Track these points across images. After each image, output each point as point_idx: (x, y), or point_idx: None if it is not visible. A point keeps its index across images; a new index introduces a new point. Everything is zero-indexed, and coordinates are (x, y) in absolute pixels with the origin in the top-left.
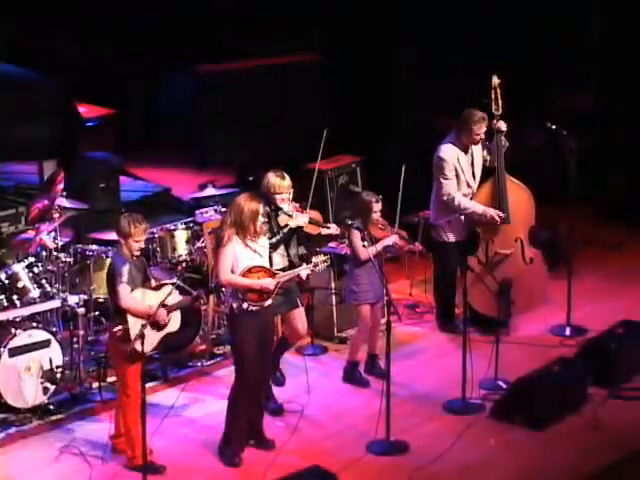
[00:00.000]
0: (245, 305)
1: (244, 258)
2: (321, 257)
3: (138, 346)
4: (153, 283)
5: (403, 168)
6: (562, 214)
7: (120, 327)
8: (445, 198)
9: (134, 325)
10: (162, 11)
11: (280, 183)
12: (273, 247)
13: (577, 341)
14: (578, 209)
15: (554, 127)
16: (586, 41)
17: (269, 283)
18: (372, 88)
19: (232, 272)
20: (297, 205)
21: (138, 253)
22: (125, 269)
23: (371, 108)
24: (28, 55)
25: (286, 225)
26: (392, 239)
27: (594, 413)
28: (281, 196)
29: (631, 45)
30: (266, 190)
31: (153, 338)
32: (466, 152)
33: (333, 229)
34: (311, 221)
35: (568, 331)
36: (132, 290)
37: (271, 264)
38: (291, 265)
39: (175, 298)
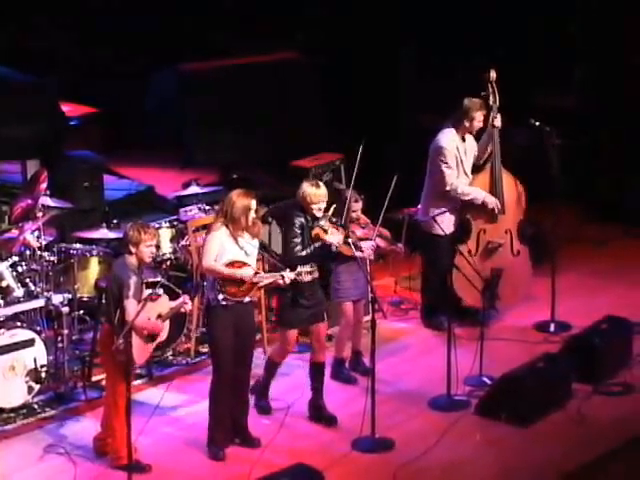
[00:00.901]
0: (221, 297)
1: (230, 250)
2: (307, 268)
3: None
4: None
5: (395, 178)
6: (547, 211)
7: (122, 341)
8: (448, 187)
9: (135, 339)
10: (148, 11)
11: (315, 192)
12: (302, 260)
13: (561, 337)
14: (563, 206)
15: (537, 124)
16: (570, 40)
17: (248, 274)
18: (369, 86)
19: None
20: (335, 222)
21: (150, 259)
22: (132, 282)
23: (367, 107)
24: (10, 54)
25: (317, 239)
26: (368, 246)
27: (579, 409)
28: (317, 205)
29: (614, 43)
30: (301, 200)
31: (145, 350)
32: (464, 141)
33: (366, 254)
34: (345, 242)
35: (552, 327)
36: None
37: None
38: (322, 276)
39: (166, 306)
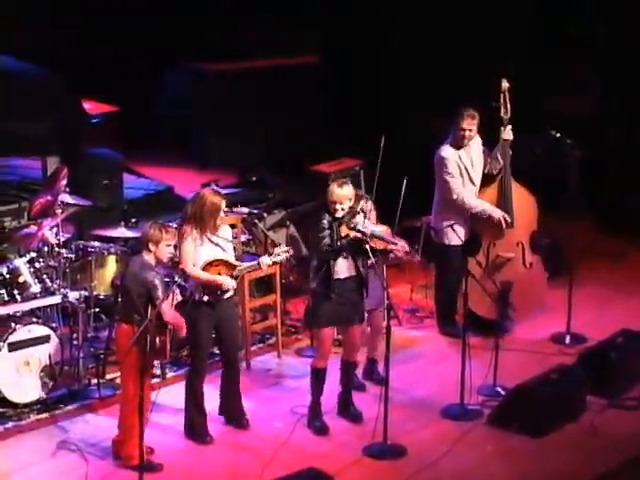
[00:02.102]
0: (204, 297)
1: (204, 253)
2: (283, 247)
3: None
4: None
5: (405, 181)
6: (563, 222)
7: (159, 339)
8: (454, 197)
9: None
10: (163, 10)
11: (338, 192)
12: (332, 255)
13: (577, 349)
14: (580, 217)
15: (558, 135)
16: (589, 45)
17: (228, 283)
18: (373, 89)
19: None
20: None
21: (168, 259)
22: (158, 282)
23: (373, 109)
24: (32, 52)
25: (347, 236)
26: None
27: (592, 422)
28: (340, 205)
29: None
30: (327, 199)
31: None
32: (463, 150)
33: (400, 246)
34: (374, 235)
35: (568, 339)
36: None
37: (329, 271)
38: (359, 275)
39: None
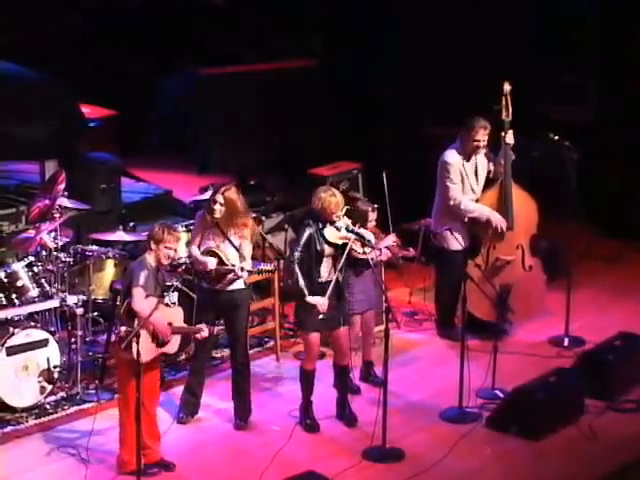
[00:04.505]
0: (203, 283)
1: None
2: (268, 266)
3: (133, 347)
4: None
5: (384, 174)
6: (562, 225)
7: (125, 329)
8: (452, 202)
9: (143, 334)
10: (163, 12)
11: (337, 201)
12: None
13: (575, 352)
14: (578, 221)
15: (556, 138)
16: (583, 53)
17: (211, 263)
18: (375, 93)
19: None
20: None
21: (167, 262)
22: (143, 274)
23: (375, 113)
24: (30, 55)
25: (334, 244)
26: (388, 241)
27: (590, 424)
28: (339, 213)
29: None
30: (321, 209)
31: (150, 350)
32: (469, 159)
33: (389, 243)
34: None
35: (566, 342)
36: (147, 297)
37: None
38: (337, 281)
39: (179, 319)
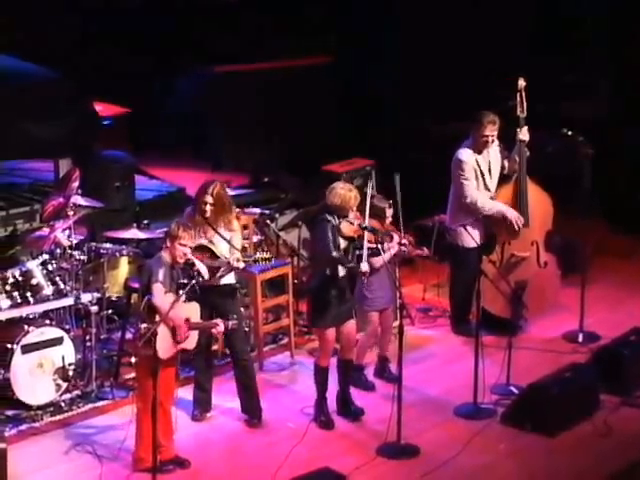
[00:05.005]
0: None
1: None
2: (265, 255)
3: (155, 343)
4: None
5: (396, 178)
6: (577, 221)
7: (145, 326)
8: (468, 200)
9: (162, 329)
10: (178, 11)
11: (356, 195)
12: (339, 262)
13: (590, 348)
14: (592, 216)
15: (570, 133)
16: (590, 49)
17: (203, 270)
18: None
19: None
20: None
21: (182, 260)
22: (161, 271)
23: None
24: (30, 55)
25: (351, 237)
26: (394, 247)
27: (605, 420)
28: (354, 208)
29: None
30: (340, 204)
31: (169, 347)
32: (482, 154)
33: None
34: (376, 230)
35: (581, 337)
36: (165, 293)
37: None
38: (349, 273)
39: (196, 315)
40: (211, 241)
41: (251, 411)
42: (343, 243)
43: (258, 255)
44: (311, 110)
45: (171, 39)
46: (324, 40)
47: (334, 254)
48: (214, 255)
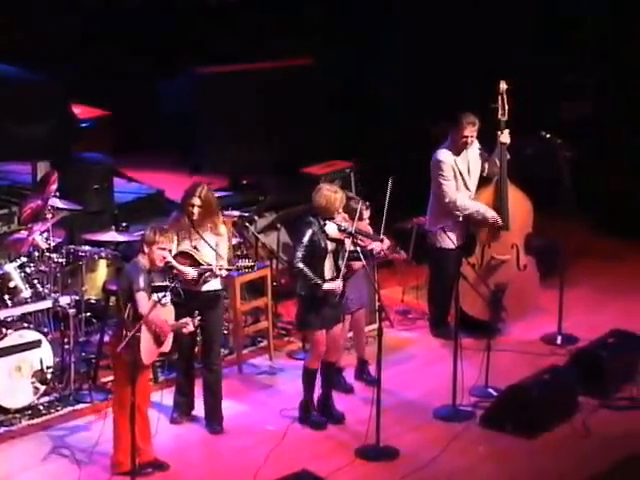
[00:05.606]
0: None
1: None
2: (246, 262)
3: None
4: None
5: (390, 181)
6: (556, 224)
7: (129, 333)
8: (447, 200)
9: (144, 334)
10: (162, 12)
11: (342, 197)
12: (299, 273)
13: (568, 350)
14: (572, 218)
15: (548, 135)
16: (583, 52)
17: (189, 273)
18: (372, 92)
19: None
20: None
21: (161, 264)
22: (141, 278)
23: (371, 113)
24: (23, 54)
25: (336, 239)
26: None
27: (584, 422)
28: (340, 211)
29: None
30: (325, 206)
31: (151, 352)
32: (460, 155)
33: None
34: (361, 233)
35: (559, 340)
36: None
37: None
38: (337, 276)
39: (171, 318)
40: (195, 247)
41: (216, 418)
42: (330, 245)
43: (240, 263)
44: (297, 111)
45: (160, 41)
46: (324, 40)
47: (299, 265)
48: (196, 262)
